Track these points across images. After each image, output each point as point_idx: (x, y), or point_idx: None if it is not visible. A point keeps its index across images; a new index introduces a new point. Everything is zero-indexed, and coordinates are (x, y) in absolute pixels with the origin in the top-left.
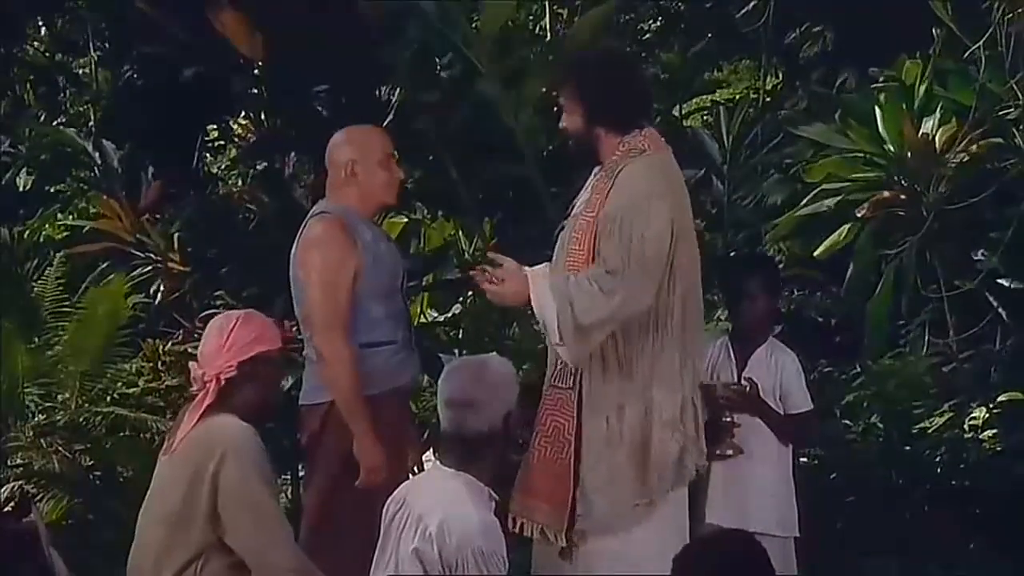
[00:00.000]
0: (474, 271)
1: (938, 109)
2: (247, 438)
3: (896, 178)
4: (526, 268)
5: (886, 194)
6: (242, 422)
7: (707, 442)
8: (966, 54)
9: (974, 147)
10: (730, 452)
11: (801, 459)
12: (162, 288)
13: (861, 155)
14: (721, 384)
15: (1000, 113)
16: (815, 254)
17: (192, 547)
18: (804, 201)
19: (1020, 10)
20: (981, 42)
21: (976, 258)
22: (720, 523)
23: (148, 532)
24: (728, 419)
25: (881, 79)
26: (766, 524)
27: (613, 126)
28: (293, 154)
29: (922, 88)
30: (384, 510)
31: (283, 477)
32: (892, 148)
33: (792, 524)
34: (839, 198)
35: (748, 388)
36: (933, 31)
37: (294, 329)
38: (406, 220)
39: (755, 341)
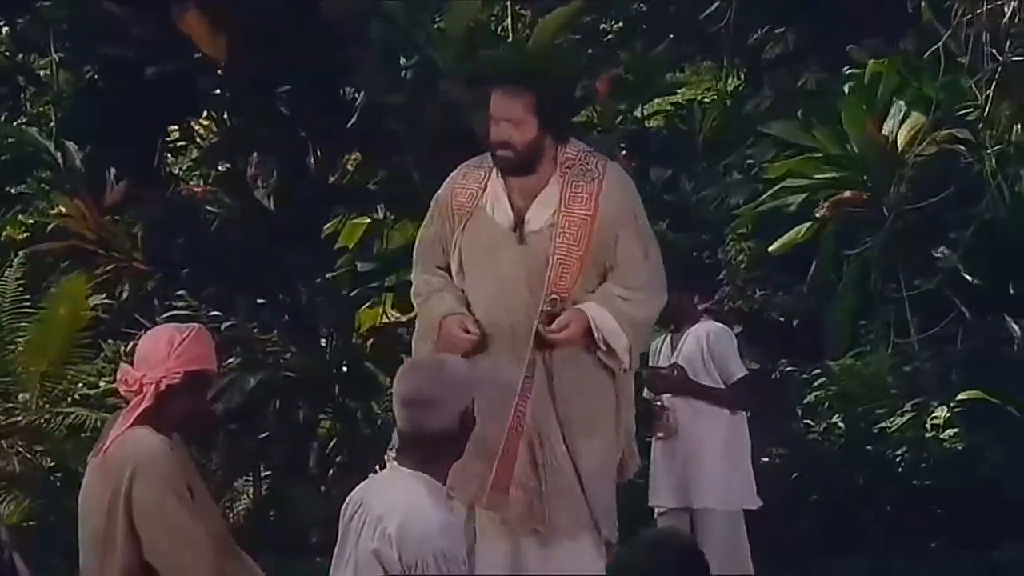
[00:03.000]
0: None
1: (900, 110)
2: (159, 453)
3: (862, 178)
4: (579, 305)
5: (848, 194)
6: (156, 435)
7: (642, 426)
8: (927, 53)
9: (932, 149)
10: (660, 434)
11: (762, 459)
12: (127, 288)
13: (822, 155)
14: (649, 370)
15: (960, 113)
16: (770, 249)
17: (119, 567)
18: (764, 197)
19: (979, 11)
20: (941, 43)
21: (937, 256)
22: (663, 504)
23: (84, 554)
24: (658, 403)
25: (846, 78)
26: (708, 500)
27: (561, 135)
28: (255, 155)
29: (886, 88)
30: (342, 511)
31: (245, 478)
32: (855, 147)
33: (740, 498)
34: (802, 196)
35: (675, 372)
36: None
37: None
38: (368, 221)
39: (683, 328)
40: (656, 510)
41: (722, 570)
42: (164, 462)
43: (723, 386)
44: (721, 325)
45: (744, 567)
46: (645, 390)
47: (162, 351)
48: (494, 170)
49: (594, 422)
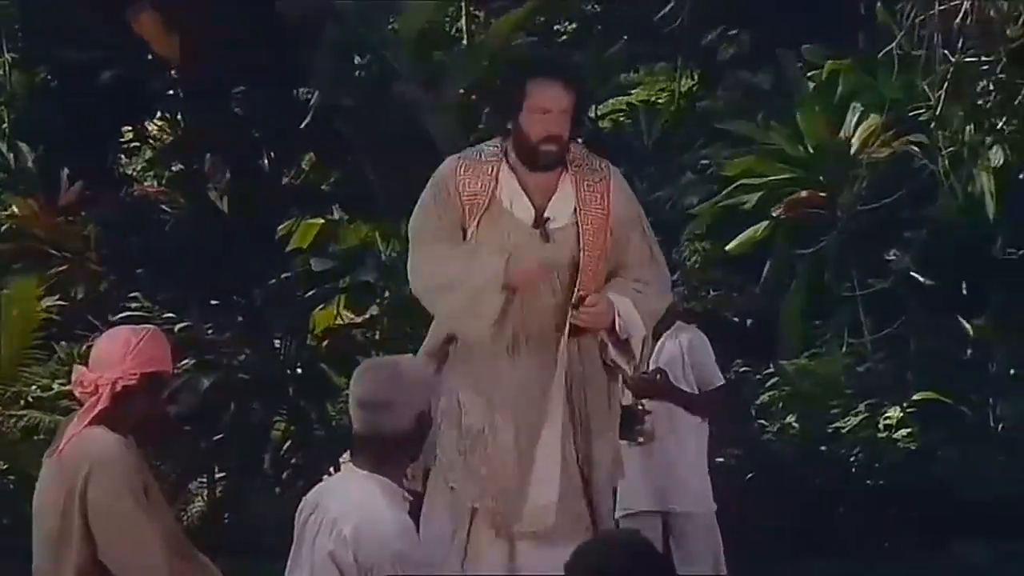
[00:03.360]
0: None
1: (855, 111)
2: (115, 452)
3: (818, 178)
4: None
5: (804, 193)
6: (112, 434)
7: (621, 430)
8: (881, 54)
9: (886, 150)
10: (641, 440)
11: (718, 459)
12: (81, 289)
13: (779, 153)
14: (634, 375)
15: (913, 114)
16: (727, 248)
17: (73, 567)
18: (720, 196)
19: (932, 12)
20: (894, 44)
21: (889, 258)
22: (638, 508)
23: (38, 555)
24: (640, 407)
25: (801, 79)
26: (688, 504)
27: (576, 133)
28: (209, 155)
29: (842, 89)
30: (298, 512)
31: (200, 480)
32: (810, 147)
33: (709, 499)
34: (758, 195)
35: (658, 376)
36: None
37: None
38: (323, 222)
39: (658, 331)
40: (622, 512)
41: (702, 572)
42: (120, 462)
43: (698, 392)
44: (699, 331)
45: (720, 568)
46: (627, 394)
47: (118, 352)
48: (503, 163)
49: (601, 423)
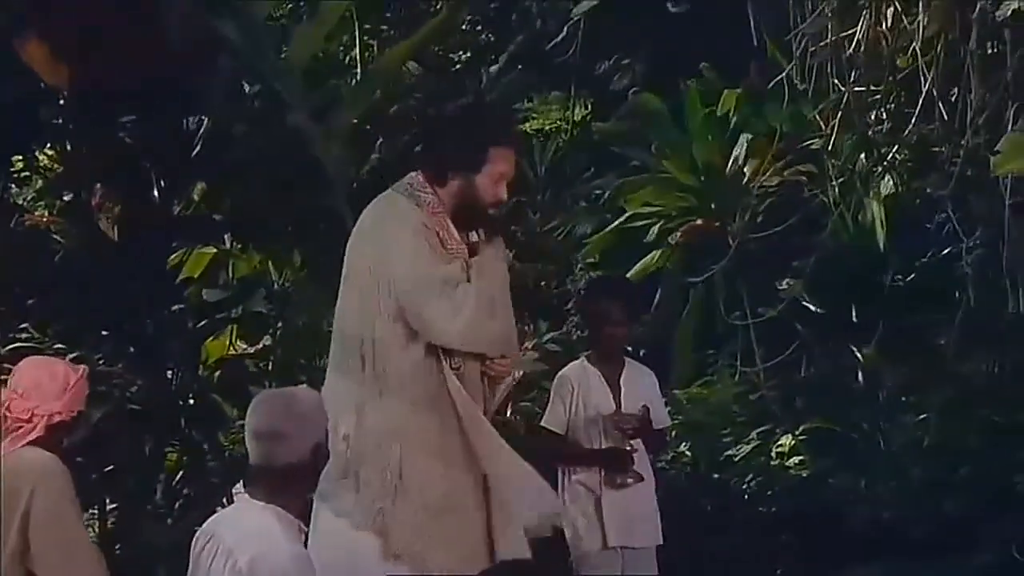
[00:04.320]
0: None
1: (747, 138)
2: (56, 469)
3: (710, 206)
4: None
5: (700, 221)
6: (50, 454)
7: (611, 471)
8: (771, 84)
9: (776, 179)
10: (631, 480)
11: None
12: None
13: (673, 182)
14: (622, 415)
15: (805, 142)
16: (627, 277)
17: None
18: (615, 224)
19: (824, 43)
20: (784, 74)
21: (781, 286)
22: (624, 544)
23: None
24: (629, 447)
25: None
26: (650, 538)
27: None
28: (98, 185)
29: (734, 117)
30: (193, 543)
31: (91, 511)
32: (704, 176)
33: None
34: (653, 223)
35: (646, 413)
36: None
37: None
38: (214, 251)
39: (616, 365)
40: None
41: None
42: (62, 478)
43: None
44: (650, 372)
45: None
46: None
47: (57, 387)
48: (447, 217)
49: None
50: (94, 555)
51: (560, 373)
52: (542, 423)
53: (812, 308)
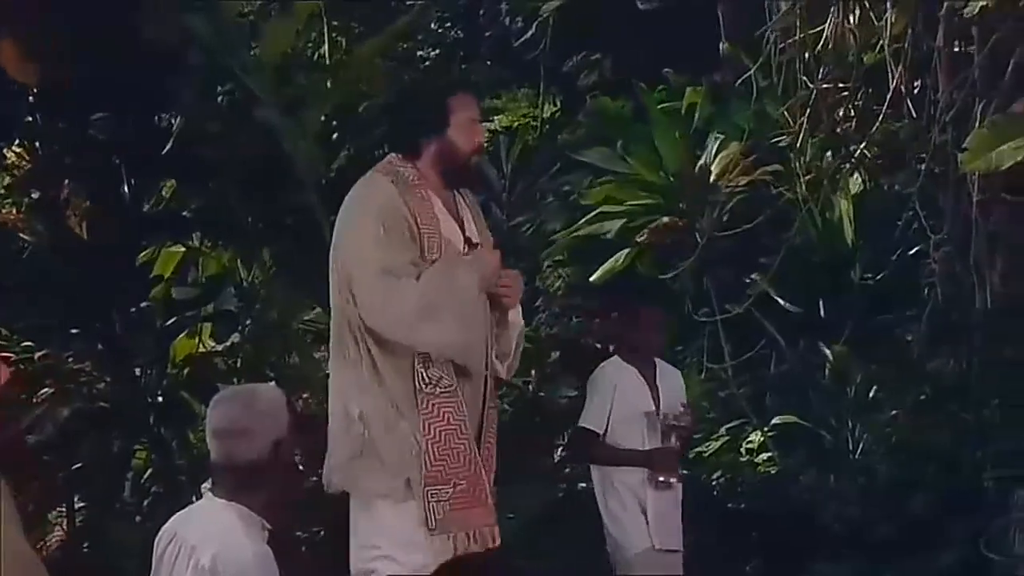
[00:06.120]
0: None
1: (715, 136)
2: None
3: (677, 204)
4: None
5: (666, 220)
6: None
7: (660, 471)
8: (738, 82)
9: (744, 178)
10: (674, 480)
11: (580, 484)
12: None
13: (639, 180)
14: (673, 414)
15: (773, 140)
16: (591, 279)
17: None
18: (581, 222)
19: (792, 40)
20: (751, 72)
21: (748, 283)
22: (667, 547)
23: None
24: (675, 446)
25: (661, 103)
26: (680, 541)
27: None
28: (67, 182)
29: (700, 116)
30: (156, 541)
31: (59, 510)
32: (671, 175)
33: None
34: (619, 222)
35: (693, 414)
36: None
37: None
38: (184, 249)
39: (651, 364)
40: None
41: None
42: (3, 490)
43: None
44: (677, 370)
45: None
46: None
47: None
48: (427, 188)
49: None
50: (37, 567)
51: (600, 370)
52: (581, 424)
53: (781, 305)
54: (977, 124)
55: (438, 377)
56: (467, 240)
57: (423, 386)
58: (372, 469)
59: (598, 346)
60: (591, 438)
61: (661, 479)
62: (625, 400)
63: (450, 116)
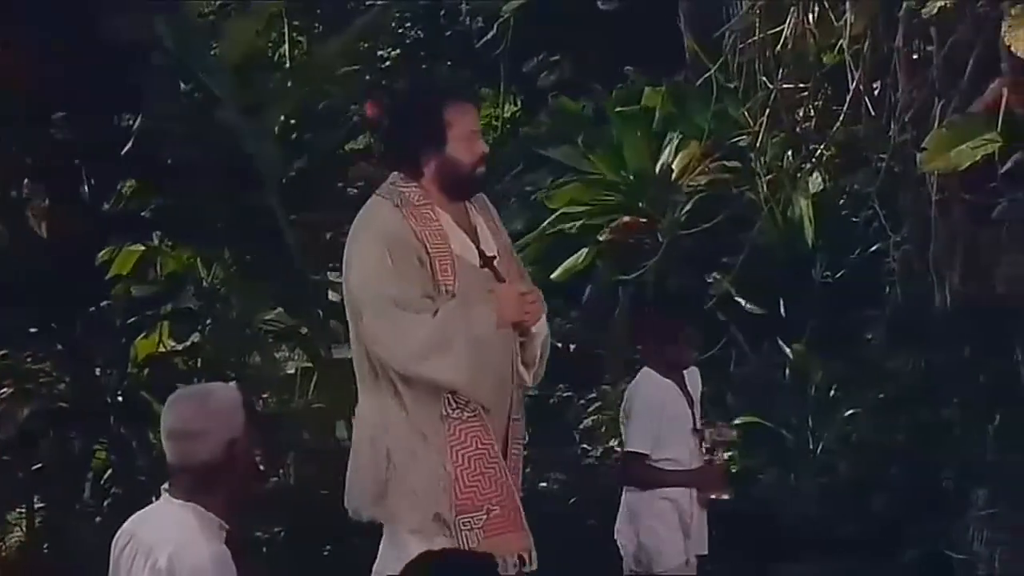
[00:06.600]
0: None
1: (676, 136)
2: None
3: (639, 204)
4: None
5: (627, 219)
6: None
7: (711, 486)
8: (699, 81)
9: (704, 177)
10: (725, 496)
11: (540, 484)
12: None
13: (601, 180)
14: (718, 430)
15: (733, 139)
16: (552, 277)
17: None
18: (546, 223)
19: (752, 40)
20: (711, 72)
21: (710, 282)
22: (697, 553)
23: None
24: (722, 462)
25: (622, 103)
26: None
27: None
28: (27, 181)
29: (661, 115)
30: (113, 542)
31: (19, 510)
32: (631, 174)
33: None
34: (581, 222)
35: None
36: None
37: None
38: (143, 248)
39: (680, 374)
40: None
41: None
42: None
43: None
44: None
45: None
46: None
47: None
48: (434, 206)
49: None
50: None
51: (641, 387)
52: (630, 448)
53: (741, 304)
54: (936, 124)
55: (465, 401)
56: (481, 253)
57: (450, 411)
58: (401, 502)
59: (559, 344)
60: (641, 461)
61: (713, 496)
62: (672, 418)
63: (447, 131)
